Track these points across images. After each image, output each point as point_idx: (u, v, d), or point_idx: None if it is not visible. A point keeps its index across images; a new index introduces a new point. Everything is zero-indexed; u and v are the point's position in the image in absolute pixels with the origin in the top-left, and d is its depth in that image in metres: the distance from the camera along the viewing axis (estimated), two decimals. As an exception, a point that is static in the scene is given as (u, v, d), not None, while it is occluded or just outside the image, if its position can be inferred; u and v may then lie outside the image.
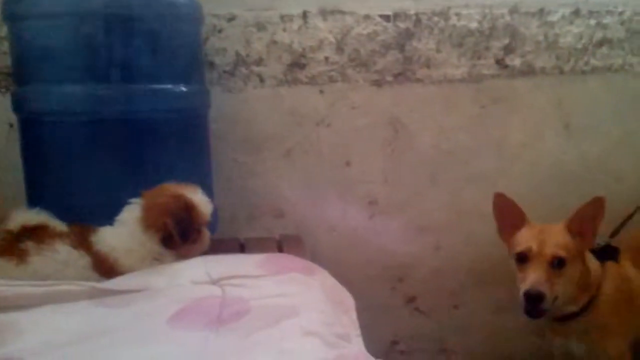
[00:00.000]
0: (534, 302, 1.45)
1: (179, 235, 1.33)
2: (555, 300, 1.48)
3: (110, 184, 1.42)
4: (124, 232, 1.33)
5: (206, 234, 1.42)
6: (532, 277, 1.46)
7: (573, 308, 1.55)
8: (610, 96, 2.03)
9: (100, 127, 1.42)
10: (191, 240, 1.37)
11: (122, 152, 1.44)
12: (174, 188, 1.36)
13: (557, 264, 1.47)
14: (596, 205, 1.49)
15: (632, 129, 2.06)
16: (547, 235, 1.50)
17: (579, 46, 1.98)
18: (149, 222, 1.32)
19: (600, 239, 1.62)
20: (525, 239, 1.53)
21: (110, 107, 1.41)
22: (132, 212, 1.34)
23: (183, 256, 1.36)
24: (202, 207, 1.37)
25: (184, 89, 1.49)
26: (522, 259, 1.51)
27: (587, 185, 2.05)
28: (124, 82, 1.41)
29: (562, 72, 1.99)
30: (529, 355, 2.15)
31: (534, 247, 1.49)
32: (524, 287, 1.46)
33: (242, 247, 1.67)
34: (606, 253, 1.61)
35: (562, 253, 1.47)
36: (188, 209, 1.34)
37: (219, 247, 1.49)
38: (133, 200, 1.35)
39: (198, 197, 1.37)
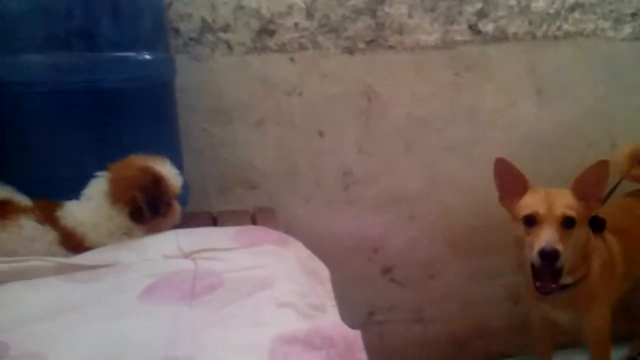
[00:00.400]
0: (548, 260, 1.40)
1: (148, 209, 1.29)
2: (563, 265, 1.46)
3: (74, 156, 1.37)
4: (91, 206, 1.30)
5: (177, 208, 1.38)
6: (545, 236, 1.42)
7: (570, 280, 1.53)
8: (582, 62, 2.03)
9: (62, 97, 1.36)
10: (161, 214, 1.34)
11: (85, 124, 1.39)
12: (141, 160, 1.32)
13: (567, 224, 1.44)
14: (600, 169, 1.46)
15: (604, 95, 2.07)
16: (554, 197, 1.48)
17: (552, 11, 1.96)
18: (117, 196, 1.29)
19: None
20: (531, 202, 1.50)
21: (71, 76, 1.35)
22: (99, 186, 1.30)
23: (153, 230, 1.33)
24: (171, 179, 1.34)
25: (148, 56, 1.43)
26: (530, 222, 1.47)
27: (560, 152, 2.06)
28: (85, 50, 1.35)
29: (534, 37, 1.98)
30: (506, 323, 2.16)
31: (542, 209, 1.46)
32: (537, 246, 1.42)
33: (214, 221, 1.63)
34: (594, 224, 1.60)
35: (572, 213, 1.44)
36: (157, 181, 1.31)
37: (190, 220, 1.46)
38: (100, 173, 1.31)
39: (167, 170, 1.33)
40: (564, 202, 1.47)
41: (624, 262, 1.66)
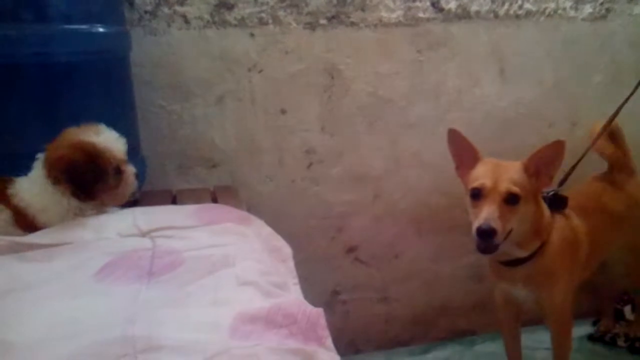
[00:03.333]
0: (485, 237, 1.41)
1: (89, 184, 1.24)
2: (509, 235, 1.46)
3: (24, 132, 1.33)
4: (36, 189, 1.24)
5: (129, 173, 1.31)
6: (485, 213, 1.42)
7: (523, 253, 1.53)
8: (543, 41, 2.05)
9: (12, 71, 1.32)
10: (111, 186, 1.28)
11: (36, 99, 1.34)
12: (74, 134, 1.26)
13: (510, 200, 1.44)
14: (556, 148, 1.45)
15: (564, 74, 2.09)
16: (502, 171, 1.47)
17: (513, -11, 1.96)
18: (54, 178, 1.23)
19: (549, 189, 1.61)
20: (479, 175, 1.49)
21: (22, 49, 1.31)
22: (38, 168, 1.25)
23: (110, 202, 1.29)
24: (111, 146, 1.27)
25: (101, 29, 1.40)
26: (476, 195, 1.47)
27: (521, 131, 2.08)
28: (36, 22, 1.31)
29: (497, 16, 1.98)
30: (470, 301, 2.18)
31: (488, 183, 1.46)
32: (477, 222, 1.43)
33: (173, 199, 1.60)
34: (555, 202, 1.60)
35: (516, 189, 1.44)
36: (90, 155, 1.24)
37: (148, 199, 1.43)
38: (39, 154, 1.25)
39: (104, 138, 1.27)
40: (510, 177, 1.46)
41: (590, 245, 1.66)
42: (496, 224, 1.41)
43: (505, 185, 1.44)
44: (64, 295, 0.95)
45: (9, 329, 0.84)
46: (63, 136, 1.25)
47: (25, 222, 1.23)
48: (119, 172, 1.29)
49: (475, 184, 1.47)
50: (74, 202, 1.25)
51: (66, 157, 1.22)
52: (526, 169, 1.48)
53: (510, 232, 1.46)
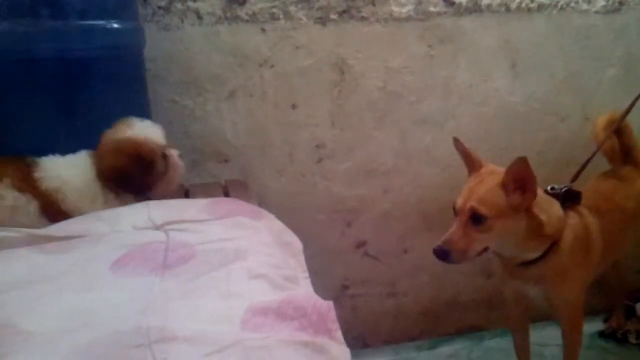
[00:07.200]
0: (440, 258, 1.42)
1: (141, 182, 1.30)
2: (484, 251, 1.46)
3: (42, 127, 1.36)
4: (77, 171, 1.30)
5: (174, 155, 1.37)
6: (446, 234, 1.43)
7: (533, 255, 1.52)
8: (556, 35, 2.03)
9: (29, 67, 1.34)
10: (161, 172, 1.34)
11: (53, 94, 1.37)
12: (112, 137, 1.31)
13: (476, 220, 1.41)
14: (520, 165, 1.39)
15: (577, 68, 2.07)
16: (477, 189, 1.44)
17: (525, -18, 1.96)
18: (107, 186, 1.30)
19: (562, 184, 1.60)
20: (461, 191, 1.48)
21: (38, 45, 1.33)
22: (85, 163, 1.31)
23: (161, 193, 1.34)
24: (149, 136, 1.32)
25: (116, 25, 1.41)
26: (454, 212, 1.47)
27: (533, 126, 2.07)
28: (52, 19, 1.34)
29: (508, 9, 1.97)
30: (478, 296, 2.18)
31: (460, 202, 1.45)
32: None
33: (186, 193, 1.61)
34: (568, 197, 1.59)
35: (480, 209, 1.40)
36: (136, 155, 1.29)
37: (162, 193, 1.44)
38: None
39: (139, 130, 1.31)
40: (479, 196, 1.42)
41: (604, 243, 1.65)
42: (452, 246, 1.41)
43: (469, 205, 1.42)
44: (81, 286, 0.97)
45: (28, 319, 0.86)
46: (104, 142, 1.30)
47: (53, 208, 1.27)
48: (164, 157, 1.34)
49: (454, 202, 1.47)
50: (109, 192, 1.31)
51: (115, 167, 1.28)
52: (504, 185, 1.42)
53: (485, 249, 1.45)
